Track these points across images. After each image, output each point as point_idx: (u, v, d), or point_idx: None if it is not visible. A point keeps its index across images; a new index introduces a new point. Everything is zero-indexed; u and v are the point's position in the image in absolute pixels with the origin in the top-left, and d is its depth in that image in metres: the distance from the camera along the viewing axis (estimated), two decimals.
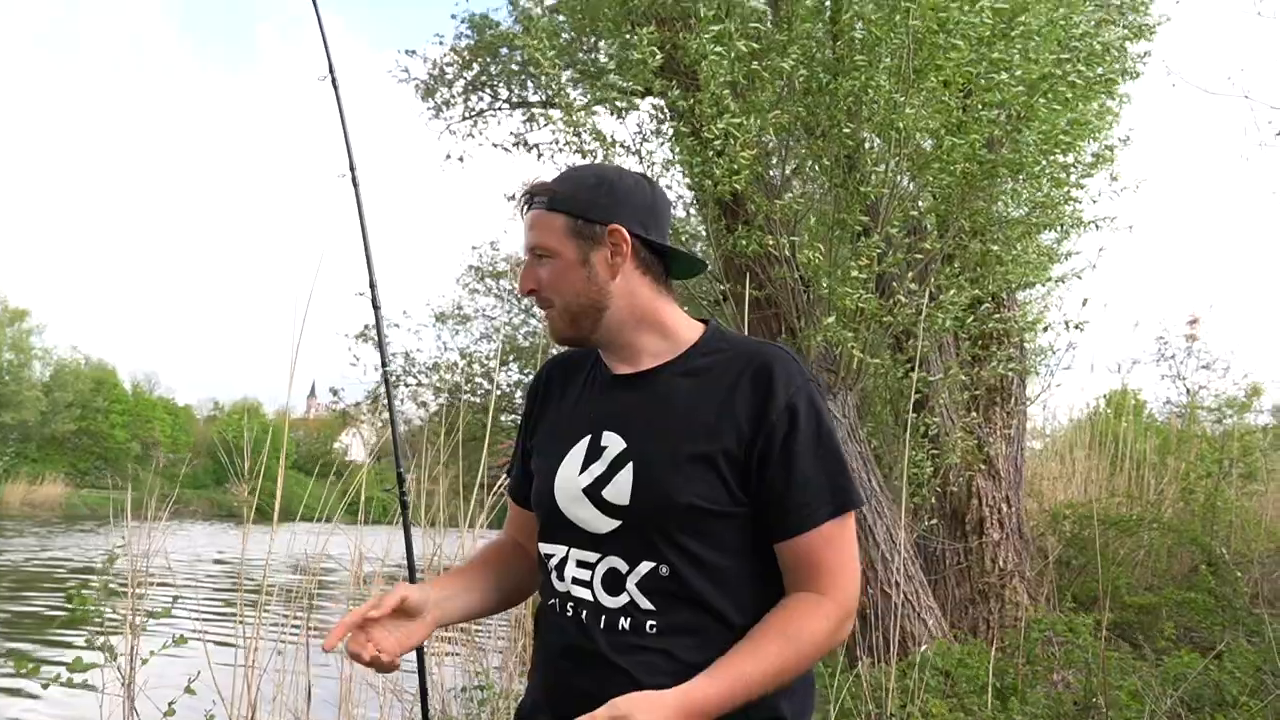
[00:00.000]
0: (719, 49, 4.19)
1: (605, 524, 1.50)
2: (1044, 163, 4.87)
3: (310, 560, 3.91)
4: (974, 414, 5.51)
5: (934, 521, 5.41)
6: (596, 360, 1.67)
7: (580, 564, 1.53)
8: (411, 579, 2.12)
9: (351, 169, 2.19)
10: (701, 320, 1.64)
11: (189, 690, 2.93)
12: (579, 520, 1.53)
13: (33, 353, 48.26)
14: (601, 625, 1.49)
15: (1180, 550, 7.53)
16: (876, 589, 4.26)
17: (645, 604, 1.48)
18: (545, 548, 1.59)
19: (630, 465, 1.50)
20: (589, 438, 1.57)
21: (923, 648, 4.28)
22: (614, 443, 1.54)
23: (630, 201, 1.58)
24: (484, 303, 10.44)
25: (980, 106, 4.52)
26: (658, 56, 4.50)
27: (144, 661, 3.03)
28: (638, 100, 5.37)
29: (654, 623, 1.48)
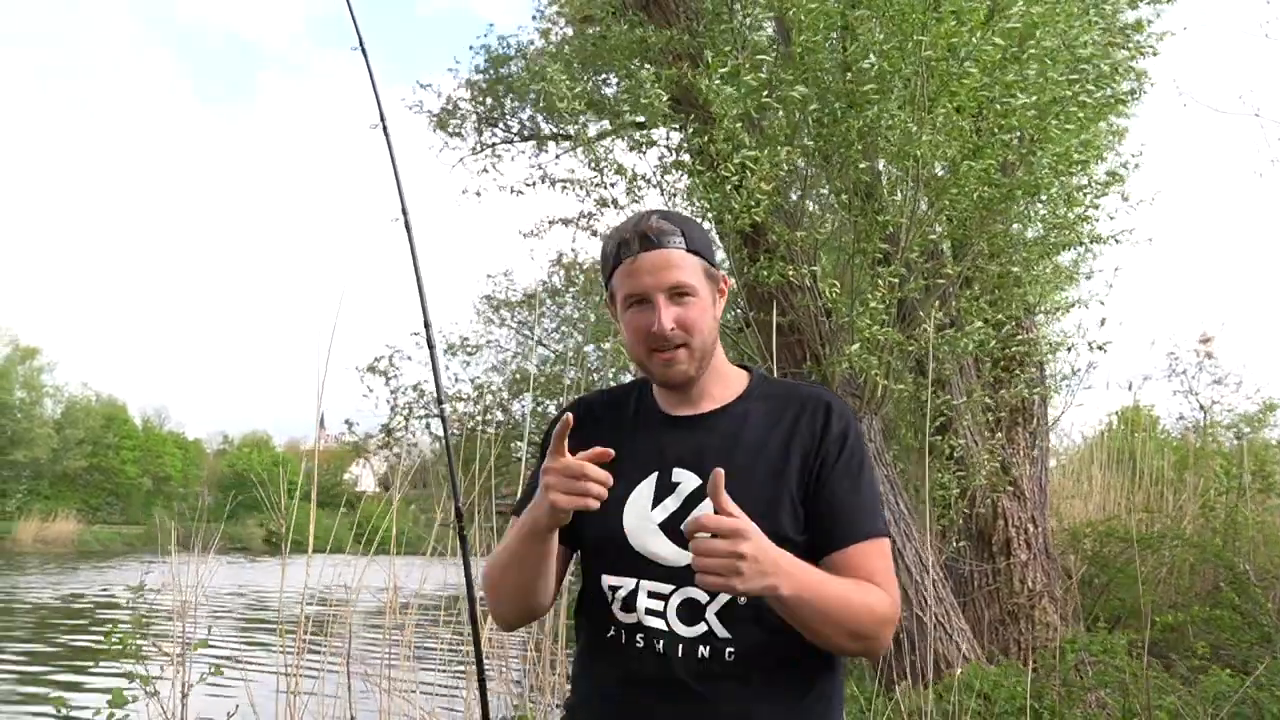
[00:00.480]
0: (729, 88, 4.26)
1: (681, 556, 1.53)
2: (1058, 184, 4.91)
3: (348, 591, 3.93)
4: (998, 435, 5.53)
5: (962, 543, 5.42)
6: (639, 400, 1.72)
7: (652, 595, 1.57)
8: (472, 607, 2.14)
9: (404, 213, 2.24)
10: (742, 367, 1.74)
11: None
12: (651, 554, 1.57)
13: (44, 390, 48.45)
14: (680, 654, 1.54)
15: (1203, 567, 7.49)
16: (910, 612, 4.26)
17: (723, 632, 1.53)
18: (610, 580, 1.61)
19: (707, 501, 1.53)
20: (657, 474, 1.62)
21: (958, 670, 4.28)
22: (687, 479, 1.59)
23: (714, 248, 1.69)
24: (497, 334, 10.49)
25: (994, 130, 4.58)
26: (664, 99, 4.58)
27: (184, 695, 3.04)
28: (654, 133, 5.45)
29: (732, 650, 1.53)
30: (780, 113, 4.45)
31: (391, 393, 9.27)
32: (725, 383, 1.69)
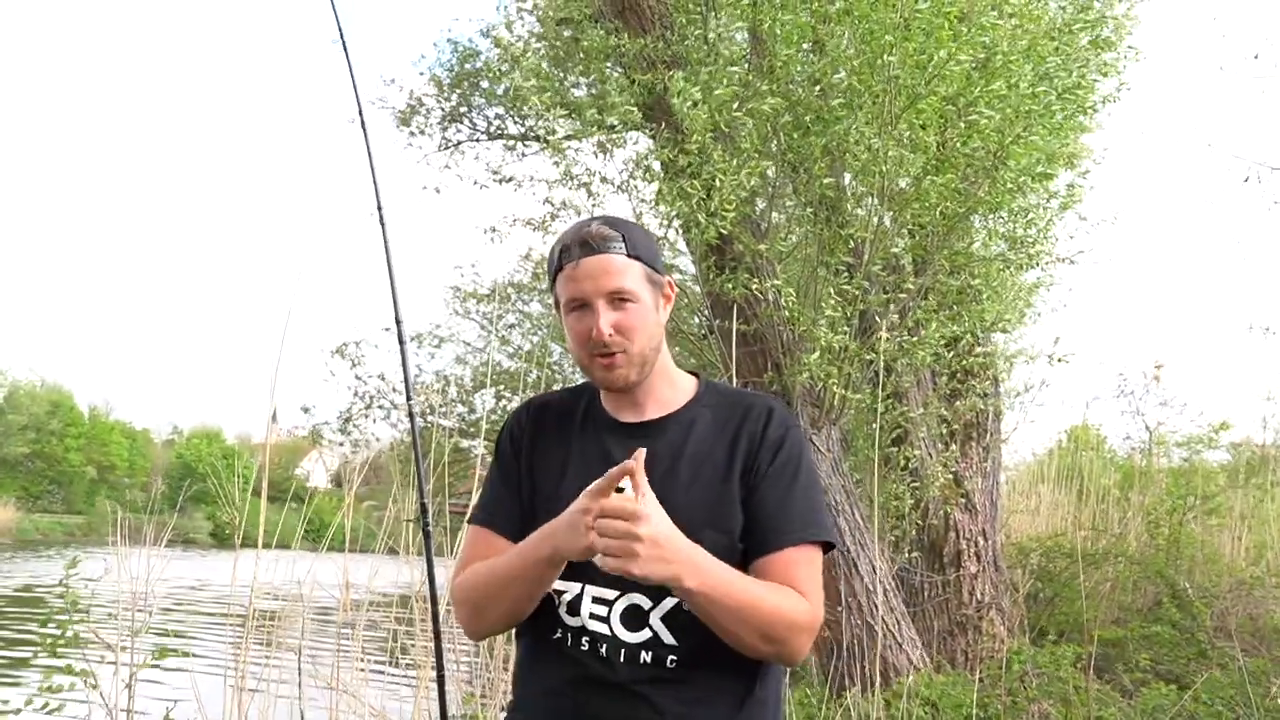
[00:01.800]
0: (697, 100, 4.29)
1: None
2: (1020, 200, 5.01)
3: (299, 586, 3.90)
4: (952, 448, 5.63)
5: (914, 554, 5.51)
6: (588, 405, 1.74)
7: (597, 600, 1.59)
8: (433, 606, 2.14)
9: (379, 208, 2.24)
10: (691, 373, 1.77)
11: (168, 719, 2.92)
12: (598, 560, 1.58)
13: None
14: (622, 659, 1.56)
15: (1145, 583, 7.66)
16: (860, 619, 4.33)
17: (669, 638, 1.56)
18: (556, 584, 1.61)
19: None
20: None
21: (907, 678, 4.35)
22: (631, 486, 1.61)
23: (661, 254, 1.70)
24: (463, 326, 10.39)
25: (959, 144, 4.66)
26: (634, 111, 4.61)
27: (127, 685, 3.00)
28: (623, 136, 5.47)
29: (675, 656, 1.56)
30: (751, 125, 4.50)
31: (356, 379, 9.13)
32: (673, 388, 1.71)
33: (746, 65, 4.70)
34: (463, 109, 8.87)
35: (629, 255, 1.61)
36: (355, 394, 9.05)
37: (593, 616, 1.58)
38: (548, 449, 1.72)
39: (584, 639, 1.58)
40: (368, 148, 2.26)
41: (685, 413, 1.68)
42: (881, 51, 4.19)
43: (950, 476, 5.45)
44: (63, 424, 46.84)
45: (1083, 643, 6.10)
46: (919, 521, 5.47)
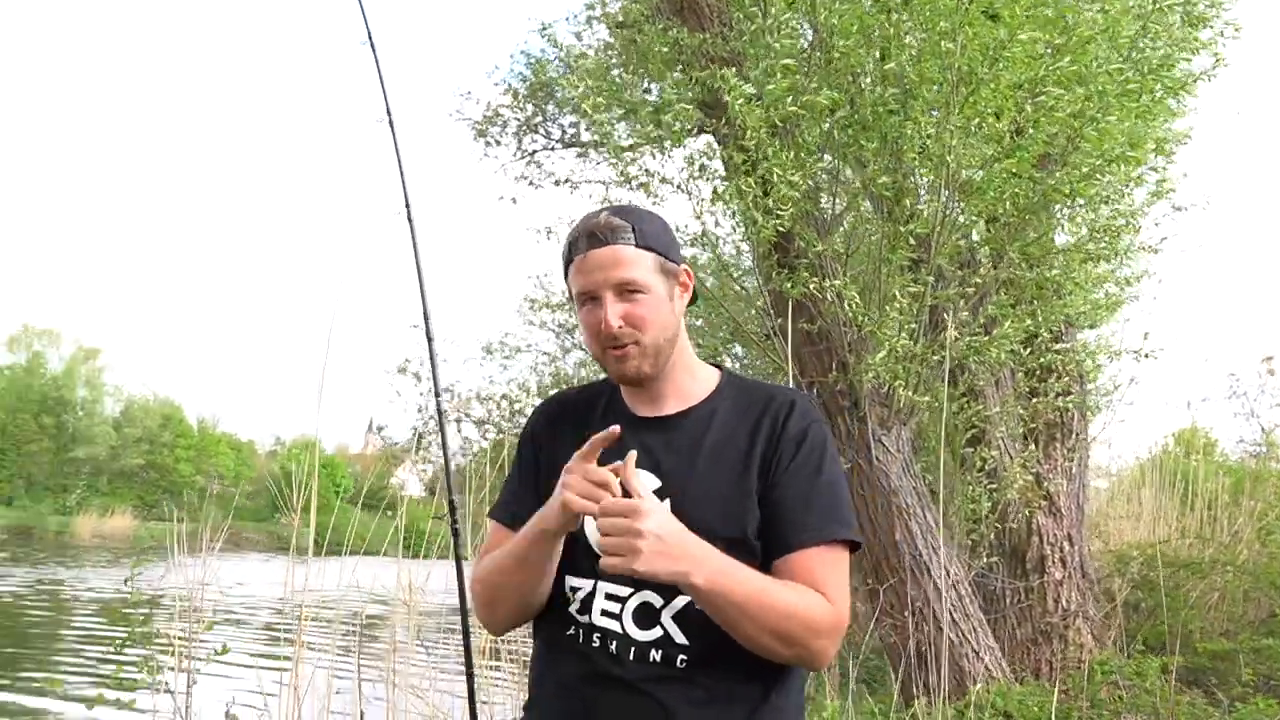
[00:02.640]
0: (751, 95, 4.24)
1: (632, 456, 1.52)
2: (1102, 183, 4.78)
3: (361, 591, 3.98)
4: (1031, 448, 5.41)
5: (993, 559, 5.31)
6: (608, 400, 1.72)
7: (610, 597, 1.57)
8: (462, 603, 2.15)
9: (407, 206, 2.27)
10: (713, 364, 1.73)
11: (230, 717, 3.00)
12: (601, 562, 1.55)
13: (104, 389, 49.93)
14: (632, 657, 1.54)
15: (1257, 594, 7.25)
16: (931, 626, 4.19)
17: (680, 638, 1.53)
18: (571, 580, 1.61)
19: (668, 503, 1.54)
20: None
21: (983, 688, 4.19)
22: (648, 481, 1.58)
23: (678, 242, 1.67)
24: (539, 336, 10.48)
25: (1031, 128, 4.48)
26: (689, 111, 4.58)
27: (194, 681, 3.10)
28: (681, 135, 5.44)
29: (685, 656, 1.52)
30: (810, 120, 4.43)
31: (421, 395, 9.29)
32: (694, 380, 1.68)
33: (804, 59, 4.62)
34: (537, 119, 8.99)
35: (638, 246, 1.59)
36: (419, 409, 9.19)
37: (604, 614, 1.56)
38: (565, 444, 1.68)
39: (595, 636, 1.56)
40: (396, 148, 2.29)
41: (705, 406, 1.65)
42: (941, 37, 4.07)
43: (1031, 478, 5.24)
44: (174, 436, 49.17)
45: (1186, 655, 5.81)
46: (998, 526, 5.27)
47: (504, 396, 9.37)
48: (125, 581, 3.05)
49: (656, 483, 1.58)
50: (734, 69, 4.44)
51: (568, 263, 1.65)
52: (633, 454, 1.42)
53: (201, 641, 3.29)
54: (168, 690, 3.09)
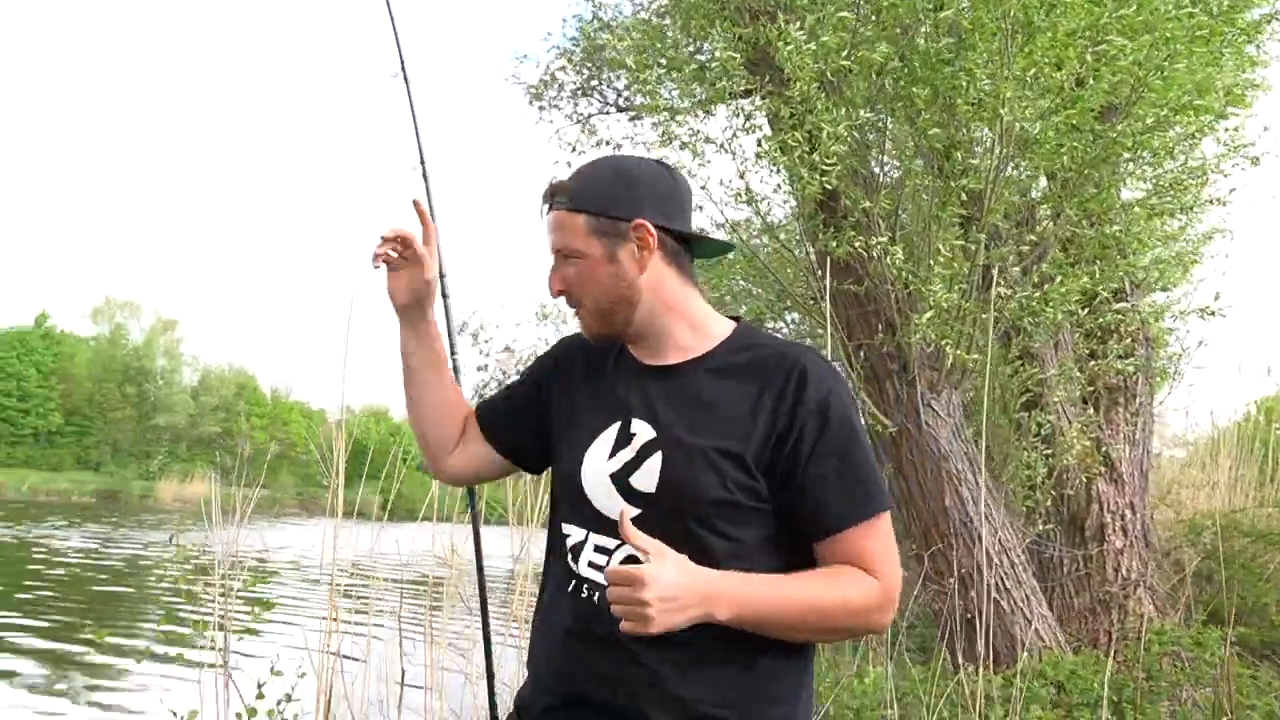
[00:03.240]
0: (806, 46, 4.12)
1: (629, 512, 1.49)
2: (1168, 135, 4.55)
3: (407, 555, 4.04)
4: (1089, 412, 5.23)
5: (1049, 526, 5.16)
6: (620, 349, 1.69)
7: (598, 549, 1.54)
8: (479, 564, 2.15)
9: (422, 163, 2.25)
10: (732, 318, 1.68)
11: (275, 672, 3.08)
12: (603, 506, 1.54)
13: (182, 359, 51.63)
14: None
15: None
16: (983, 593, 4.09)
17: None
18: (564, 528, 1.60)
19: (659, 454, 1.52)
20: (619, 424, 1.59)
21: (1035, 656, 4.10)
22: (643, 430, 1.56)
23: (652, 192, 1.59)
24: None
25: (1093, 78, 4.27)
26: (737, 60, 4.48)
27: (239, 635, 3.19)
28: (736, 101, 5.33)
29: None
30: (859, 77, 4.29)
31: (481, 355, 9.38)
32: (695, 333, 1.62)
33: (855, 11, 4.47)
34: (592, 83, 8.93)
35: (570, 209, 1.57)
36: (478, 369, 9.28)
37: (591, 565, 1.54)
38: (577, 386, 1.71)
39: (584, 587, 1.54)
40: (410, 103, 2.28)
41: (709, 359, 1.60)
42: None
43: (1090, 443, 5.06)
44: (248, 405, 50.70)
45: (1261, 629, 5.59)
46: (1054, 492, 5.11)
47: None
48: (170, 540, 3.16)
49: (651, 433, 1.54)
50: (781, 18, 4.32)
51: None
52: (628, 510, 1.42)
53: (250, 594, 3.38)
54: (214, 648, 3.18)
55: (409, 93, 2.32)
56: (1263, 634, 5.64)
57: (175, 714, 2.95)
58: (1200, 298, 6.61)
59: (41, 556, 17.78)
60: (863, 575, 1.46)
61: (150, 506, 39.83)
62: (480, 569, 2.16)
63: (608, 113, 9.09)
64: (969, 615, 4.13)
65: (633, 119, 8.87)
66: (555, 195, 1.59)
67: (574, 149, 6.69)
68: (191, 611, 3.49)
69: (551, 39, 9.34)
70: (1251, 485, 9.62)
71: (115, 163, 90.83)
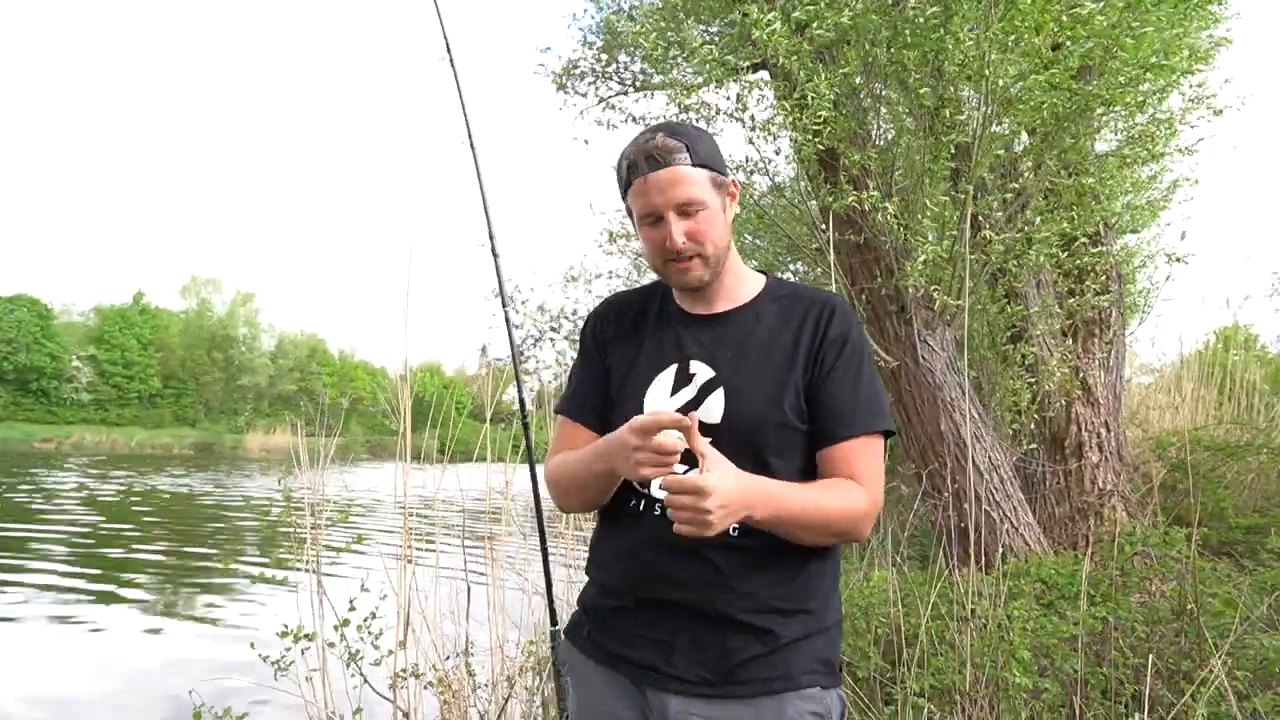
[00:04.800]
0: (773, 27, 4.02)
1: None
2: (1138, 90, 4.43)
3: (468, 494, 4.09)
4: (1067, 342, 5.17)
5: (1034, 446, 5.13)
6: (662, 299, 1.69)
7: None
8: (535, 495, 2.16)
9: (469, 136, 2.23)
10: (760, 272, 1.71)
11: (364, 589, 3.15)
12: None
13: (260, 327, 52.15)
14: None
15: None
16: (976, 507, 4.09)
17: None
18: None
19: (721, 390, 1.55)
20: (675, 367, 1.60)
21: (1023, 560, 4.10)
22: (703, 371, 1.58)
23: (723, 155, 1.62)
24: (616, 263, 10.40)
25: (1067, 39, 4.15)
26: (735, 44, 4.38)
27: (336, 560, 3.26)
28: (747, 76, 5.22)
29: (736, 525, 1.49)
30: (851, 44, 4.19)
31: (518, 314, 9.36)
32: (741, 284, 1.66)
33: None
34: (611, 66, 8.78)
35: (694, 164, 1.54)
36: (516, 327, 9.25)
37: (663, 488, 1.55)
38: (625, 341, 1.70)
39: (656, 506, 1.56)
40: (457, 82, 2.25)
41: (752, 306, 1.63)
42: None
43: (1069, 371, 5.01)
44: (320, 365, 51.25)
45: (1219, 530, 5.57)
46: (1038, 415, 5.08)
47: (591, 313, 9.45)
48: (278, 481, 3.22)
49: (710, 373, 1.57)
50: (758, 6, 4.21)
51: (627, 185, 1.60)
52: (695, 416, 1.38)
53: (341, 527, 3.45)
54: (309, 570, 3.25)
55: (455, 74, 2.28)
56: (1221, 535, 5.62)
57: (285, 626, 3.05)
58: (1168, 239, 6.50)
59: (166, 498, 18.29)
60: (857, 487, 1.50)
61: (241, 455, 40.59)
62: (537, 498, 2.17)
63: (626, 93, 8.96)
64: (963, 525, 4.13)
65: (649, 97, 8.73)
66: (672, 154, 1.54)
67: (608, 126, 6.59)
68: (287, 544, 3.57)
69: (573, 27, 9.13)
70: (1211, 405, 9.53)
71: (189, 152, 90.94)
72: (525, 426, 2.18)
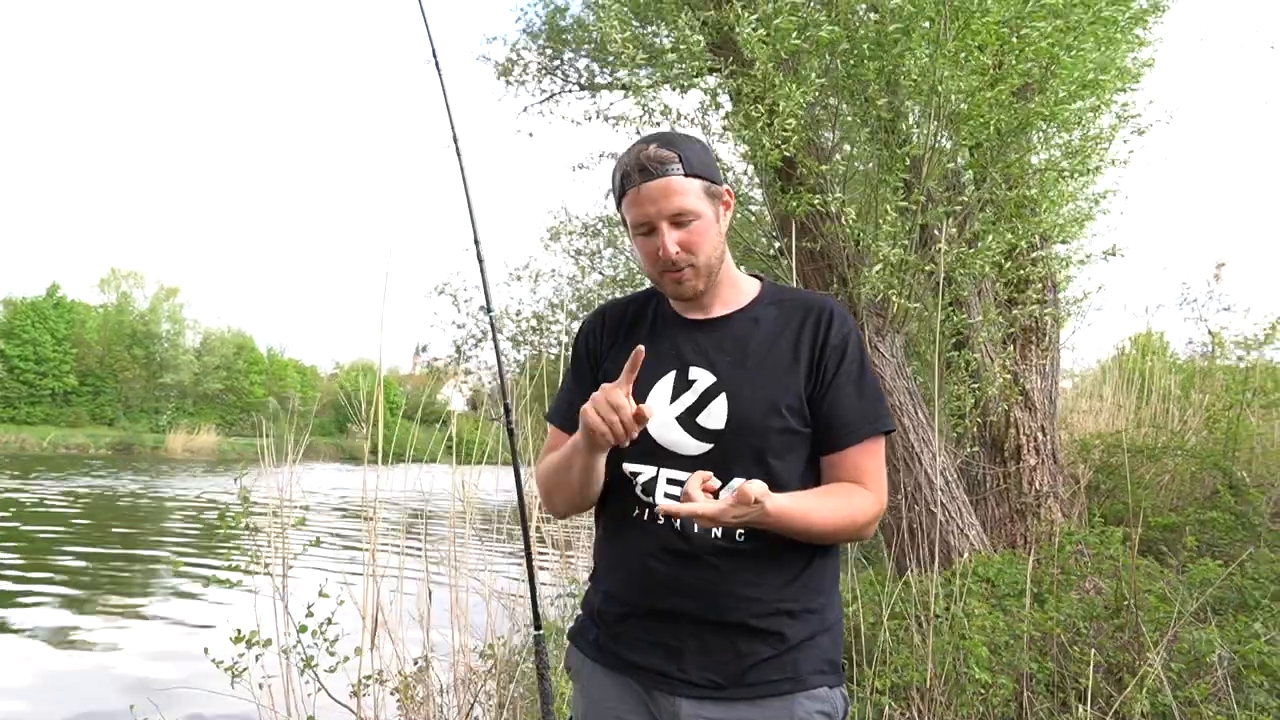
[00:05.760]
0: (757, 32, 4.09)
1: (697, 447, 1.54)
2: (1073, 107, 4.63)
3: (424, 494, 4.03)
4: (1009, 350, 5.36)
5: (975, 449, 5.31)
6: (657, 307, 1.69)
7: (671, 481, 1.56)
8: (520, 496, 2.15)
9: (455, 140, 2.20)
10: (755, 276, 1.71)
11: (323, 594, 3.08)
12: (670, 444, 1.56)
13: (185, 323, 50.31)
14: (696, 531, 1.54)
15: (1202, 475, 7.27)
16: (923, 507, 4.21)
17: None
18: (631, 468, 1.61)
19: (723, 395, 1.55)
20: (675, 372, 1.60)
21: (967, 559, 4.23)
22: (703, 377, 1.58)
23: (716, 164, 1.63)
24: (558, 262, 10.31)
25: (1013, 60, 4.32)
26: (701, 44, 4.42)
27: (290, 564, 3.18)
28: (700, 80, 5.27)
29: (742, 531, 1.52)
30: (811, 55, 4.27)
31: (459, 313, 9.15)
32: (737, 289, 1.66)
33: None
34: (556, 62, 8.72)
35: (687, 175, 1.54)
36: (458, 326, 9.07)
37: (668, 496, 1.55)
38: (621, 349, 1.68)
39: (660, 515, 1.55)
40: (442, 85, 2.22)
41: (749, 311, 1.63)
42: None
43: (1009, 377, 5.20)
44: (247, 363, 49.69)
45: (1140, 528, 5.84)
46: (980, 419, 5.25)
47: (534, 314, 9.29)
48: (234, 480, 3.12)
49: (711, 379, 1.57)
50: (740, 6, 4.27)
51: (620, 194, 1.60)
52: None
53: (294, 531, 3.36)
54: (268, 573, 3.16)
55: (440, 77, 2.26)
56: (1149, 535, 5.88)
57: (239, 630, 2.95)
58: (1095, 247, 6.79)
59: (89, 500, 17.46)
60: (863, 491, 1.54)
61: (163, 456, 39.06)
62: (521, 502, 2.15)
63: (570, 90, 8.92)
64: (912, 526, 4.24)
65: (594, 96, 8.70)
66: (665, 164, 1.53)
67: (568, 120, 6.52)
68: (227, 545, 3.47)
69: (520, 21, 9.06)
70: (1131, 409, 9.98)
71: (109, 142, 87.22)
72: (510, 432, 2.16)
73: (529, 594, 2.12)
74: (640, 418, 1.42)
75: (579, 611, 1.75)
